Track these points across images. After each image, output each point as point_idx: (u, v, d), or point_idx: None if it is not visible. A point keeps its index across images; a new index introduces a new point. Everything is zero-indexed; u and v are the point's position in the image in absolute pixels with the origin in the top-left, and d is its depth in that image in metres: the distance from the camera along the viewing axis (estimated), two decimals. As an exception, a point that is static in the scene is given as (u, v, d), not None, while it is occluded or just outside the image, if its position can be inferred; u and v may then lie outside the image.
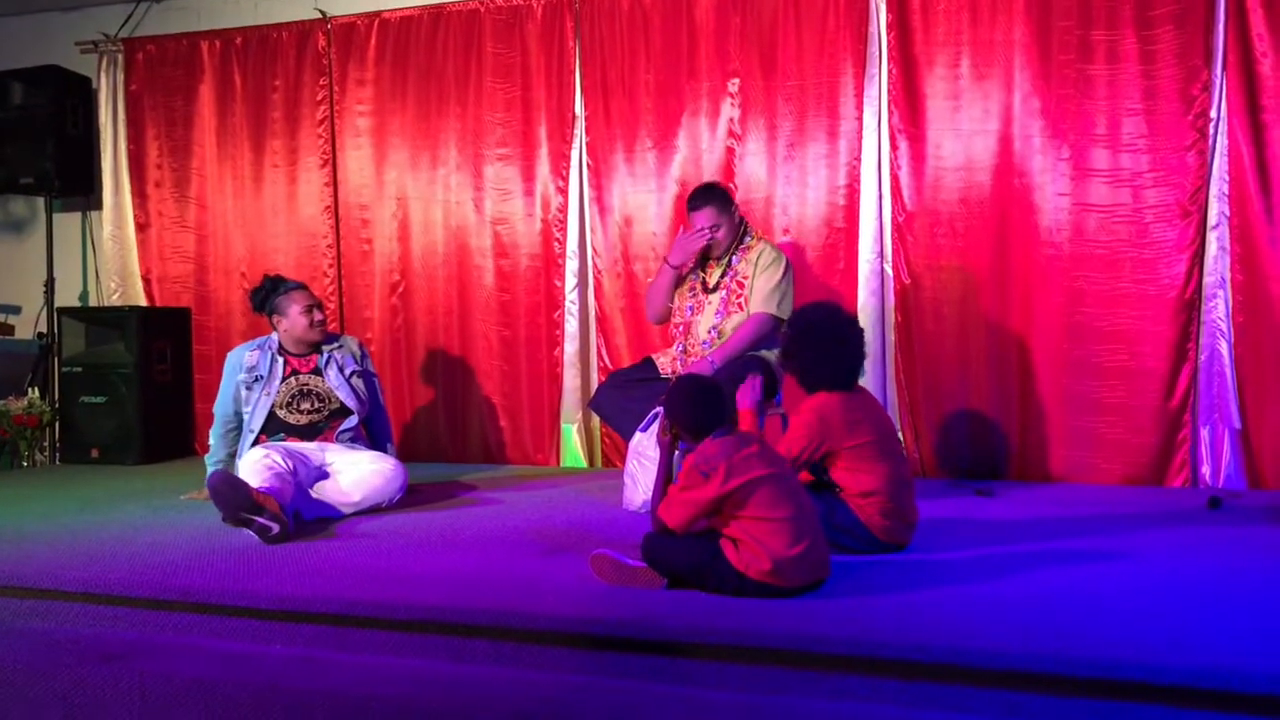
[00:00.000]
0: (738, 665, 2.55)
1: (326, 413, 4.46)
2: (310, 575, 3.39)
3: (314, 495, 4.19)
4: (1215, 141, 4.54)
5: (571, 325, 5.57)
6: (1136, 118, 4.61)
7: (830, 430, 3.43)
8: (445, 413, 5.78)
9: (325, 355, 4.52)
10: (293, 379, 4.46)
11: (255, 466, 4.02)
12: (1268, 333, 4.46)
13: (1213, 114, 4.53)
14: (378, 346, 5.88)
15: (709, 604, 2.91)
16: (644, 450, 4.03)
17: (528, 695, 2.43)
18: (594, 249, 5.51)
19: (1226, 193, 4.54)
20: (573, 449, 5.57)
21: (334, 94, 5.95)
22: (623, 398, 4.43)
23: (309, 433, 4.42)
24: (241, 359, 4.51)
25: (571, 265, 5.56)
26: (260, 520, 3.79)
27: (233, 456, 4.50)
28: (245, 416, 4.45)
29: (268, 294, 4.51)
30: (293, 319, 4.46)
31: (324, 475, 4.27)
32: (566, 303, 5.56)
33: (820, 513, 3.07)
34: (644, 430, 4.08)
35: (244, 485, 3.86)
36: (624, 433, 4.30)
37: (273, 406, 4.40)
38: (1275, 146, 4.43)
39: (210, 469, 4.52)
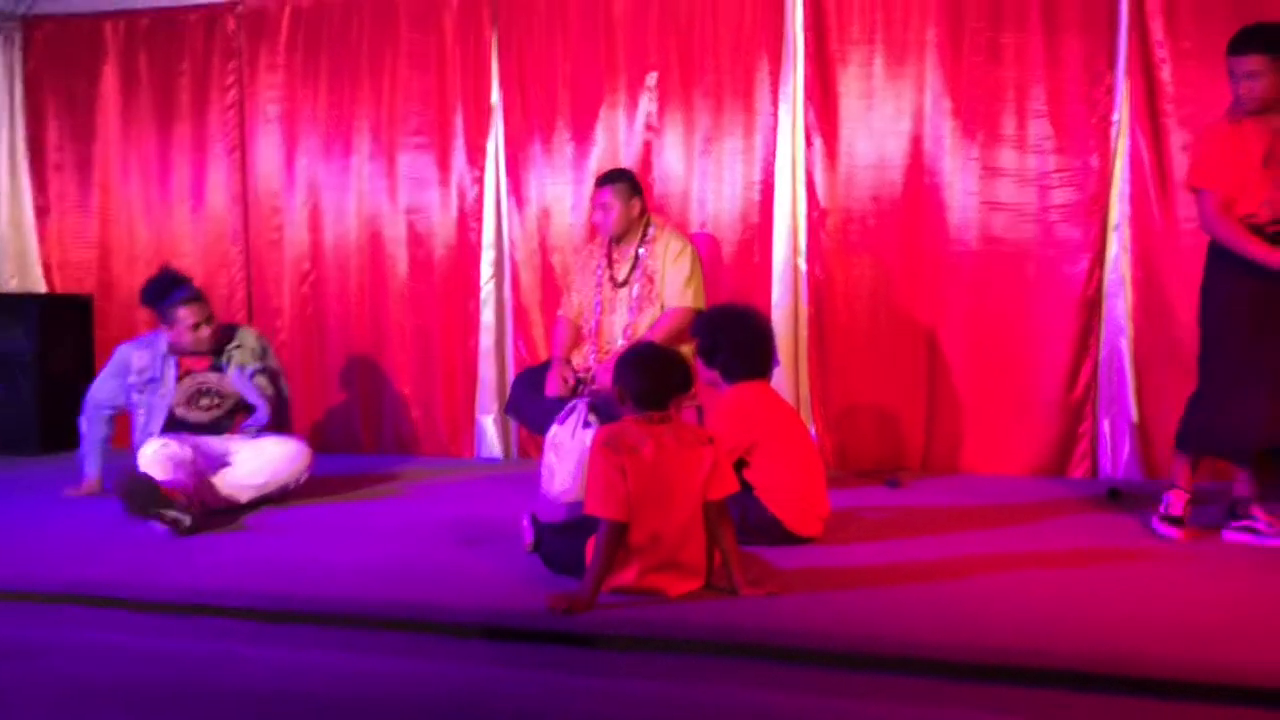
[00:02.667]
0: (654, 656, 2.57)
1: (226, 409, 4.34)
2: (222, 568, 3.33)
3: (216, 483, 4.10)
4: (1117, 144, 4.69)
5: (488, 316, 5.53)
6: (1043, 120, 4.73)
7: (755, 417, 3.51)
8: (358, 404, 5.71)
9: (225, 354, 4.37)
10: (188, 379, 4.31)
11: (156, 458, 3.92)
12: (1164, 330, 4.62)
13: (1115, 117, 4.67)
14: (288, 336, 5.77)
15: (625, 596, 2.93)
16: (561, 442, 4.02)
17: (440, 688, 2.41)
18: (511, 240, 5.48)
19: (1128, 194, 4.68)
20: (489, 440, 5.54)
21: (244, 79, 5.82)
22: (536, 398, 4.41)
23: (211, 430, 4.30)
24: (129, 360, 4.35)
25: (488, 256, 5.53)
26: (171, 514, 3.72)
27: (104, 441, 4.44)
28: (139, 415, 4.30)
29: (155, 298, 4.31)
30: (178, 332, 4.28)
31: (225, 463, 4.17)
32: (483, 294, 5.53)
33: (735, 516, 3.09)
34: (561, 423, 4.07)
35: (151, 481, 3.78)
36: (542, 431, 4.27)
37: (171, 407, 4.26)
38: (1174, 150, 4.58)
39: (89, 465, 4.41)
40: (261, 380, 4.41)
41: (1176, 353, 4.57)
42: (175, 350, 4.33)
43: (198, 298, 4.35)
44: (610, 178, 4.55)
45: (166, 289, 4.32)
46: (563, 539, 3.17)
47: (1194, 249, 4.51)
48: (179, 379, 4.30)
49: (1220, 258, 3.55)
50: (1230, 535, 3.55)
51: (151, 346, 4.36)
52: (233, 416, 4.36)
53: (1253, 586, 3.06)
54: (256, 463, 4.19)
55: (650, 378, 3.02)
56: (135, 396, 4.32)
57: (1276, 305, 3.43)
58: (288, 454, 4.25)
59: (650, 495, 2.90)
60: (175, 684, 2.45)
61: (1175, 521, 3.57)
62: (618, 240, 4.53)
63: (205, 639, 2.74)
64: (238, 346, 4.41)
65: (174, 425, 4.26)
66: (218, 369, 4.36)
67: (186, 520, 3.72)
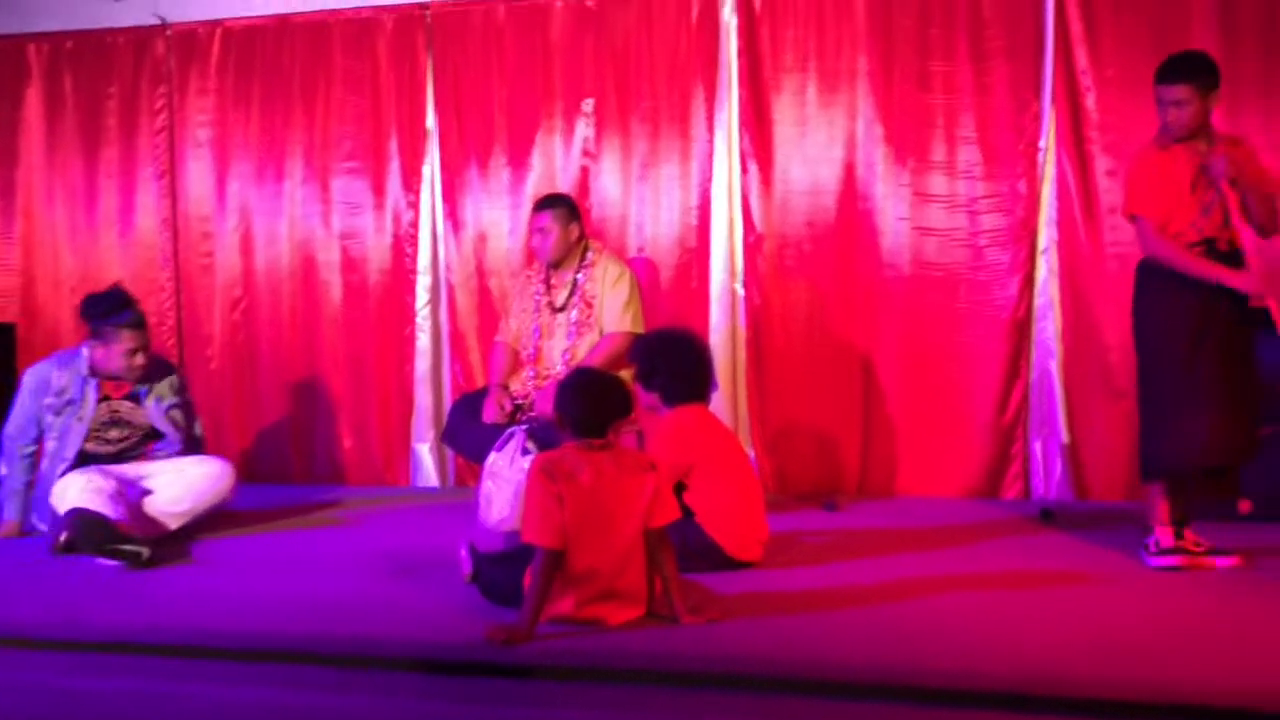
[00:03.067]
0: (594, 686, 2.55)
1: (136, 439, 4.23)
2: (150, 604, 3.25)
3: (145, 511, 4.00)
4: (1044, 170, 4.78)
5: (423, 342, 5.48)
6: (972, 146, 4.81)
7: (694, 440, 3.52)
8: (291, 433, 5.61)
9: (144, 387, 4.25)
10: (104, 405, 4.17)
11: (85, 494, 3.81)
12: (1092, 352, 4.71)
13: (1042, 144, 4.77)
14: (219, 364, 5.67)
15: (565, 626, 2.90)
16: (499, 470, 3.98)
17: (379, 723, 2.38)
18: (447, 265, 5.44)
19: (1055, 219, 4.77)
20: (425, 468, 5.48)
21: (173, 103, 5.72)
22: (474, 426, 4.37)
23: (118, 461, 4.16)
24: (48, 379, 4.16)
25: (424, 281, 5.48)
26: (129, 548, 3.62)
27: (26, 486, 4.19)
28: (50, 440, 4.13)
29: (102, 315, 4.15)
30: (111, 355, 4.13)
31: (147, 490, 4.06)
32: (418, 319, 5.48)
33: (675, 542, 3.08)
34: (499, 451, 4.04)
35: (102, 518, 3.70)
36: (479, 460, 4.23)
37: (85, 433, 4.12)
38: (1099, 175, 4.68)
39: (9, 510, 4.20)
40: (176, 414, 4.31)
41: (1105, 374, 4.68)
42: (98, 372, 4.18)
43: (143, 324, 4.22)
44: (549, 202, 4.55)
45: (115, 307, 4.17)
46: (501, 569, 3.14)
47: (1120, 272, 4.63)
48: (96, 403, 4.15)
49: (1151, 278, 3.60)
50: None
51: (72, 365, 4.18)
52: (140, 448, 4.24)
53: (1184, 606, 3.12)
54: (178, 488, 4.08)
55: (590, 404, 3.01)
56: (50, 419, 4.14)
57: (1212, 321, 3.47)
58: (211, 474, 4.16)
59: (589, 523, 2.88)
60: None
61: (1171, 552, 3.50)
62: (556, 265, 4.52)
63: (132, 677, 2.67)
64: (161, 380, 4.30)
65: (82, 458, 4.10)
66: (135, 398, 4.23)
67: (145, 552, 3.63)
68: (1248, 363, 3.55)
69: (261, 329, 5.64)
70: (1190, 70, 3.48)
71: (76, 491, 3.83)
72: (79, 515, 3.73)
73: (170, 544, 3.96)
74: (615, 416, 3.03)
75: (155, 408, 4.26)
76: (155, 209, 5.76)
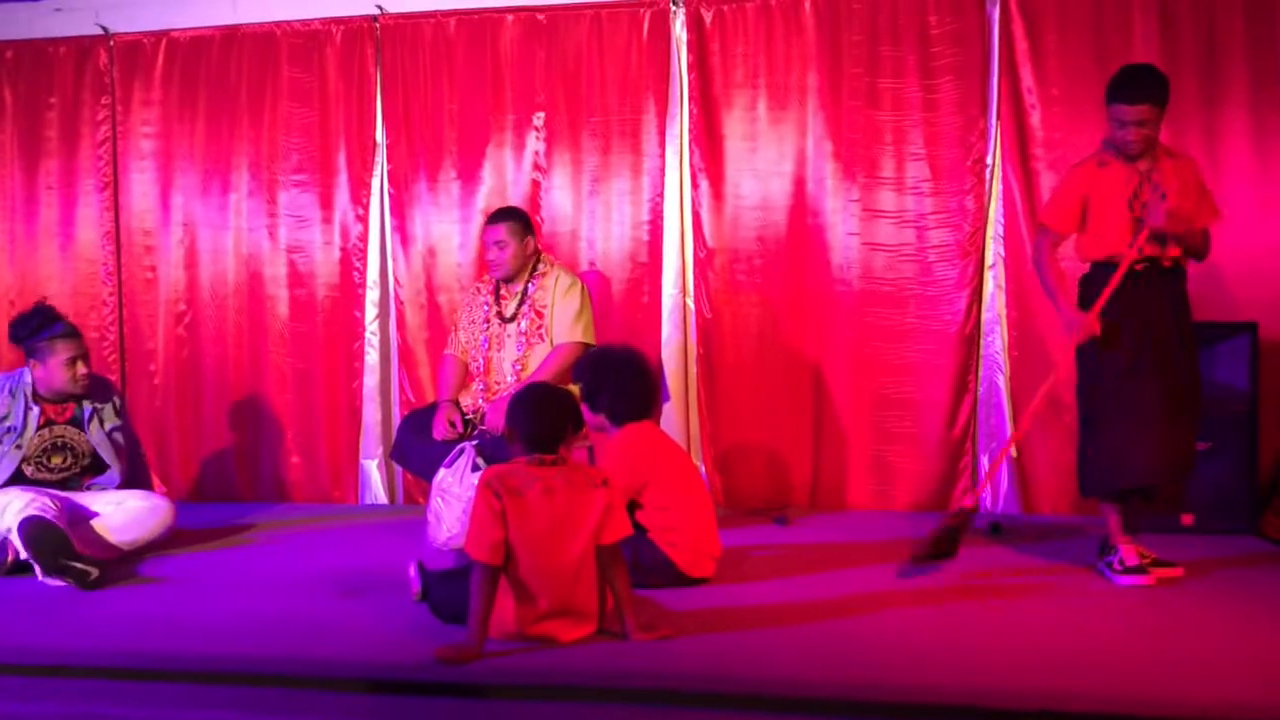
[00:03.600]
0: (545, 704, 2.53)
1: (79, 469, 4.13)
2: (93, 626, 3.18)
3: (84, 538, 3.91)
4: (991, 186, 4.84)
5: (372, 357, 5.43)
6: (920, 162, 4.86)
7: (646, 458, 3.51)
8: (237, 450, 5.52)
9: (87, 409, 4.15)
10: (46, 430, 4.07)
11: (33, 507, 3.71)
12: (1038, 366, 4.73)
13: (989, 160, 4.83)
14: (162, 380, 5.57)
15: (516, 644, 2.87)
16: (448, 487, 3.95)
17: (326, 746, 2.34)
18: (396, 279, 5.39)
19: (1002, 234, 4.83)
20: (374, 485, 5.41)
21: (116, 114, 5.63)
22: (423, 443, 4.33)
23: (60, 489, 4.05)
24: None
25: (372, 295, 5.43)
26: (79, 565, 3.54)
27: None
28: None
29: (32, 332, 4.06)
30: (51, 370, 4.04)
31: (87, 517, 3.96)
32: (367, 334, 5.42)
33: (628, 558, 3.07)
34: (448, 466, 4.01)
35: (62, 530, 3.61)
36: (429, 478, 4.19)
37: (22, 460, 4.01)
38: (1043, 191, 4.73)
39: None
40: (118, 437, 4.22)
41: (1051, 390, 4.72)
42: (42, 393, 4.09)
43: (76, 333, 4.15)
44: (504, 215, 4.55)
45: (45, 322, 4.08)
46: (451, 587, 3.10)
47: (1066, 288, 4.69)
48: (38, 429, 4.05)
49: (1091, 295, 3.60)
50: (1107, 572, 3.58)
51: (12, 389, 4.08)
52: (80, 480, 4.13)
53: (1131, 619, 3.15)
54: (119, 518, 3.99)
55: (540, 419, 3.00)
56: None
57: (1151, 336, 3.50)
58: (156, 509, 4.08)
59: (536, 539, 2.86)
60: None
61: (1136, 570, 3.49)
62: (510, 280, 4.50)
63: (75, 701, 2.60)
64: (104, 402, 4.21)
65: (18, 481, 3.99)
66: (78, 422, 4.14)
67: (94, 572, 3.56)
68: (1189, 378, 3.56)
69: (206, 344, 5.55)
70: (1154, 88, 3.47)
71: (22, 504, 3.72)
72: (34, 522, 3.63)
73: (114, 564, 3.87)
74: (566, 432, 3.02)
75: (99, 433, 4.16)
76: (97, 221, 5.65)
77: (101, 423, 4.18)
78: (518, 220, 4.52)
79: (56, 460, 4.08)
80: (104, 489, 4.15)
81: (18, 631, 3.15)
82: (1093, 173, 3.60)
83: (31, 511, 3.69)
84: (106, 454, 4.17)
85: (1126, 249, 3.51)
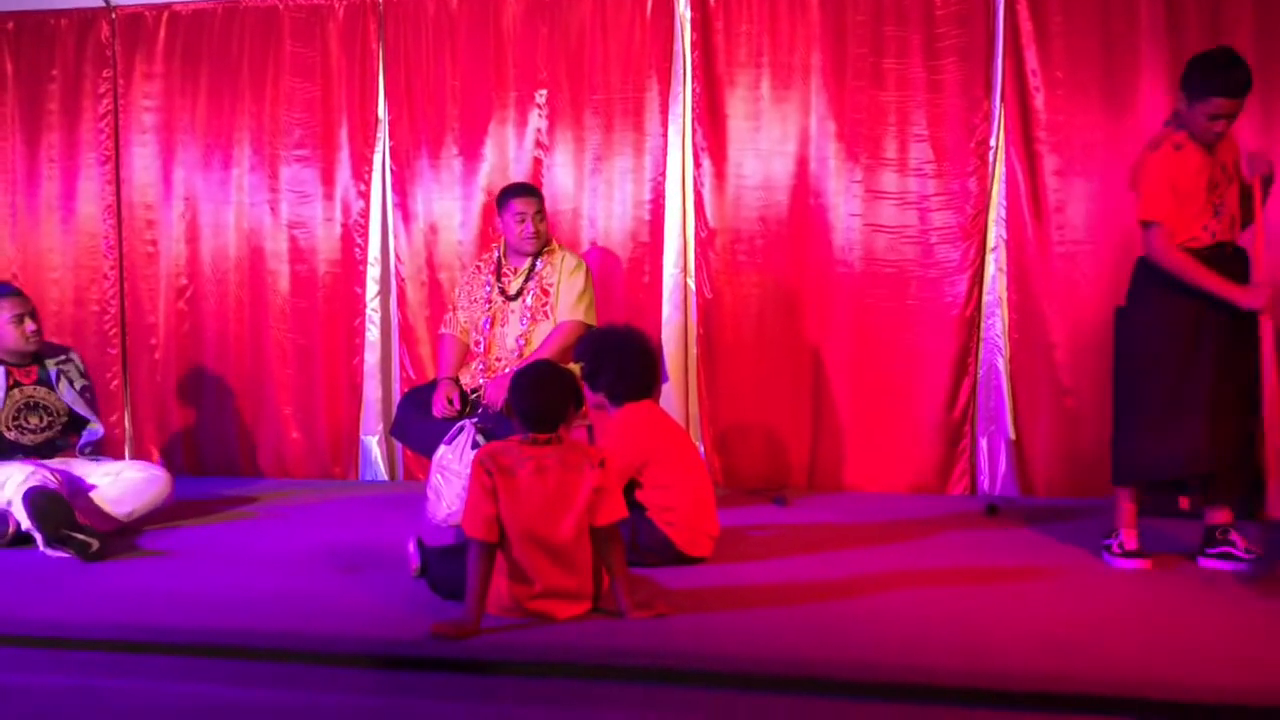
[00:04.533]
0: (541, 680, 2.54)
1: (59, 428, 4.16)
2: (91, 598, 3.20)
3: (92, 503, 3.94)
4: (994, 168, 4.82)
5: (373, 334, 5.43)
6: (924, 144, 4.84)
7: (646, 437, 3.52)
8: (236, 424, 5.54)
9: (52, 370, 4.18)
10: (16, 391, 4.09)
11: (35, 478, 3.74)
12: (1038, 349, 4.76)
13: (992, 142, 4.81)
14: (163, 354, 5.58)
15: (512, 620, 2.89)
16: (448, 464, 3.96)
17: (320, 719, 2.35)
18: (397, 256, 5.39)
19: (1004, 217, 4.82)
20: (373, 462, 5.43)
21: (118, 87, 5.61)
22: (423, 419, 4.34)
23: (46, 452, 4.11)
24: None
25: (373, 272, 5.43)
26: (80, 536, 3.56)
27: None
28: None
29: None
30: (2, 332, 4.08)
31: (84, 490, 3.99)
32: (368, 311, 5.42)
33: (626, 536, 3.08)
34: (448, 443, 4.02)
35: (65, 500, 3.63)
36: (428, 454, 4.20)
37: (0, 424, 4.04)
38: (1047, 174, 4.73)
39: None
40: (88, 395, 4.27)
41: (1050, 372, 4.73)
42: (1, 356, 4.11)
43: (19, 292, 4.22)
44: (526, 190, 4.59)
45: None
46: (449, 563, 3.11)
47: (1067, 270, 4.70)
48: (7, 390, 4.07)
49: (1149, 283, 3.53)
50: (1207, 562, 3.50)
51: None
52: (66, 437, 4.18)
53: (1127, 602, 3.16)
54: (115, 491, 4.02)
55: (540, 397, 3.00)
56: None
57: (1208, 327, 3.41)
58: (153, 480, 4.11)
59: (528, 517, 2.87)
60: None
61: (1135, 555, 3.48)
62: (535, 254, 4.50)
63: (73, 672, 2.62)
64: (64, 361, 4.25)
65: (2, 448, 4.03)
66: (46, 383, 4.16)
67: (95, 544, 3.58)
68: (1245, 366, 3.42)
69: (207, 319, 5.56)
70: (1249, 78, 3.38)
71: (23, 476, 3.76)
72: (38, 492, 3.66)
73: (114, 537, 3.89)
74: (565, 411, 3.02)
75: (69, 391, 4.19)
76: (99, 195, 5.65)
77: (71, 382, 4.22)
78: (540, 196, 4.59)
79: (34, 420, 4.11)
80: (90, 447, 4.19)
81: (18, 603, 3.17)
82: (1172, 157, 3.47)
83: (35, 482, 3.71)
84: (83, 410, 4.22)
85: (1201, 231, 3.44)
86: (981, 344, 4.87)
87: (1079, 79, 4.67)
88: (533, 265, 4.50)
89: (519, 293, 4.48)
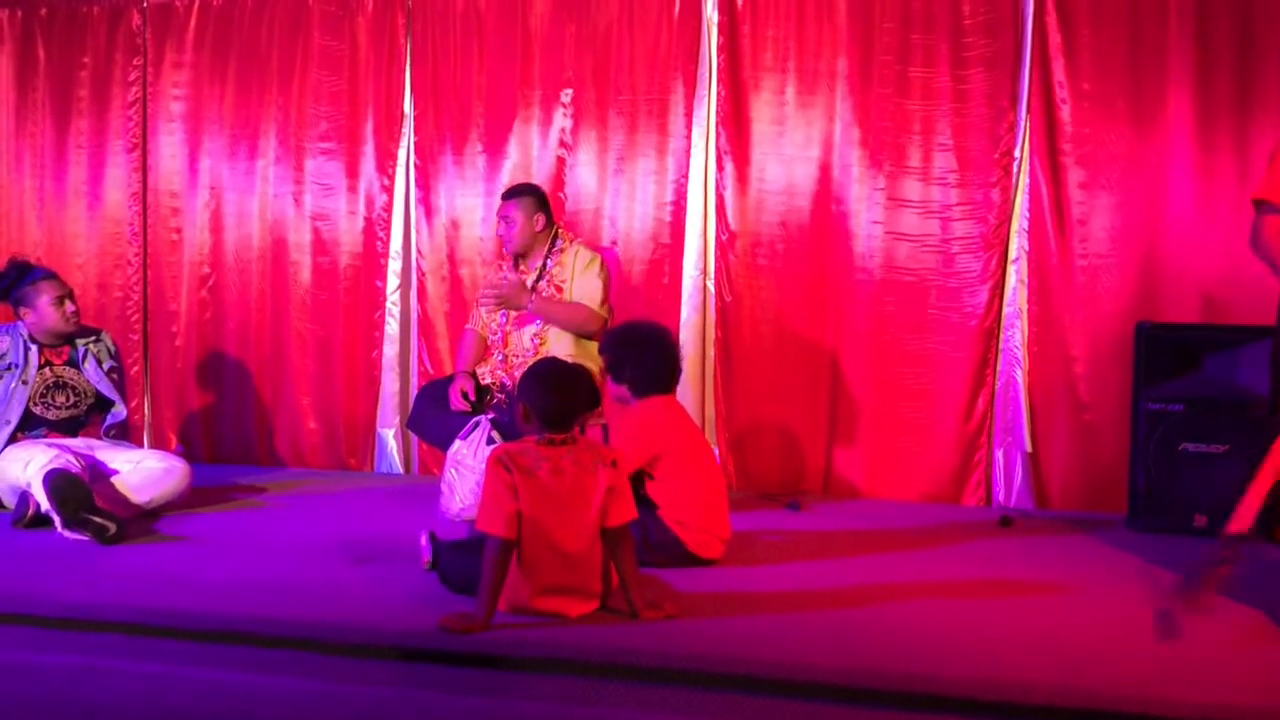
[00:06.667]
0: (549, 677, 2.54)
1: (84, 407, 4.26)
2: (106, 581, 3.22)
3: (112, 489, 3.99)
4: (1018, 179, 4.81)
5: (392, 327, 5.46)
6: (948, 153, 4.83)
7: (661, 430, 3.53)
8: (255, 413, 5.57)
9: (80, 348, 4.29)
10: (47, 369, 4.19)
11: (57, 460, 3.78)
12: (1058, 362, 4.74)
13: (1016, 153, 4.79)
14: (184, 341, 5.63)
15: (522, 617, 2.90)
16: (462, 458, 3.98)
17: (330, 708, 2.36)
18: (419, 250, 5.41)
19: (1026, 228, 4.80)
20: (389, 454, 5.45)
21: (147, 76, 5.67)
22: (440, 413, 4.36)
23: (69, 428, 4.21)
24: None
25: (394, 266, 5.45)
26: (98, 520, 3.60)
27: None
28: None
29: (13, 283, 4.20)
30: (42, 311, 4.18)
31: (106, 474, 4.04)
32: (388, 304, 5.45)
33: (636, 535, 3.08)
34: (464, 438, 4.03)
35: (84, 483, 3.68)
36: (444, 448, 4.22)
37: (28, 397, 4.13)
38: (1071, 187, 4.71)
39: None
40: (115, 376, 4.36)
41: (1069, 385, 4.71)
42: (39, 336, 4.21)
43: (56, 275, 4.30)
44: (514, 192, 4.58)
45: (21, 272, 4.23)
46: (461, 557, 3.13)
47: (1088, 284, 4.68)
48: (39, 368, 4.17)
49: None
50: None
51: (10, 331, 4.23)
52: (89, 415, 4.28)
53: (1140, 616, 3.14)
54: (136, 478, 4.06)
55: (553, 396, 2.99)
56: None
57: None
58: (174, 471, 4.14)
59: (545, 518, 2.87)
60: (43, 700, 2.35)
61: None
62: (521, 255, 4.54)
63: (85, 653, 2.64)
64: (94, 341, 4.35)
65: (29, 420, 4.13)
66: (74, 364, 4.25)
67: (113, 527, 3.61)
68: None
69: (229, 308, 5.60)
70: None
71: (46, 459, 3.80)
72: (58, 474, 3.71)
73: (134, 522, 3.93)
74: (579, 409, 3.02)
75: (95, 371, 4.27)
76: (125, 182, 5.71)
77: (99, 362, 4.30)
78: (527, 196, 4.53)
79: (61, 398, 4.19)
80: (114, 428, 4.28)
81: (35, 583, 3.19)
82: None
83: (56, 465, 3.75)
84: (109, 391, 4.29)
85: None
86: (1000, 355, 4.85)
87: (1106, 91, 4.65)
88: (544, 264, 4.52)
89: (532, 290, 4.49)
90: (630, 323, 3.92)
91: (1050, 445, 4.77)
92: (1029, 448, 4.80)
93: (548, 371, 3.09)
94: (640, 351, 3.64)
